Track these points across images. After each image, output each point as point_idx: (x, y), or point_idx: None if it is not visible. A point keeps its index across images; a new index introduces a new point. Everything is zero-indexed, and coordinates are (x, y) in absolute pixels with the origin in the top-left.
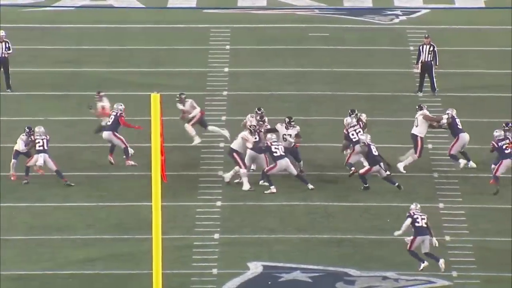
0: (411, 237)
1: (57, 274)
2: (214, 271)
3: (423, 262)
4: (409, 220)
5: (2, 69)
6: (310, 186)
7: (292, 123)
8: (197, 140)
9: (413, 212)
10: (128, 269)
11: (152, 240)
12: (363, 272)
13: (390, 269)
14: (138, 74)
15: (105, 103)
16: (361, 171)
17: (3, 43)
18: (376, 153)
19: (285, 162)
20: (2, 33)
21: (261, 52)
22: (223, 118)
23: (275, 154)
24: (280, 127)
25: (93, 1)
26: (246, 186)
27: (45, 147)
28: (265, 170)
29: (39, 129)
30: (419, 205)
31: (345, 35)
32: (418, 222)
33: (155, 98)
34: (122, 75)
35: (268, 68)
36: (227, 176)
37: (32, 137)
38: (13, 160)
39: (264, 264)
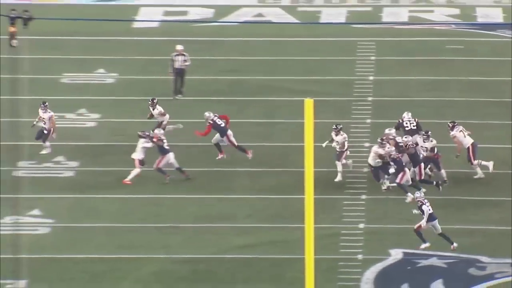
0: (422, 221)
1: (221, 258)
2: (359, 256)
3: (425, 243)
4: (427, 209)
5: (178, 77)
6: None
7: (426, 136)
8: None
9: (423, 201)
10: (283, 254)
11: (304, 228)
12: (494, 259)
13: None
14: (292, 82)
15: (51, 113)
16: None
17: (181, 56)
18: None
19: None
20: (181, 47)
21: (403, 62)
22: (368, 121)
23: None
24: (419, 139)
25: (255, 17)
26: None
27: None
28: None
29: (159, 131)
30: (423, 193)
31: (478, 47)
32: (430, 210)
33: (308, 103)
34: (279, 82)
35: (408, 77)
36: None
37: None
38: (138, 170)
39: (404, 251)
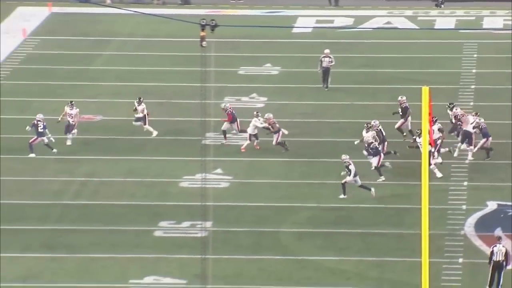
0: (348, 177)
1: (357, 207)
2: (463, 207)
3: (344, 195)
4: (352, 169)
5: (325, 74)
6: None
7: (434, 120)
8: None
9: (349, 162)
10: (405, 204)
11: (421, 185)
12: None
13: None
14: (413, 74)
15: (77, 109)
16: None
17: (328, 57)
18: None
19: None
20: (328, 50)
21: (499, 59)
22: (471, 104)
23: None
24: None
25: (385, 24)
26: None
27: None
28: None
29: (268, 115)
30: (347, 156)
31: None
32: (354, 169)
33: (425, 90)
34: (402, 74)
35: (503, 70)
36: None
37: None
38: (249, 142)
39: (498, 203)
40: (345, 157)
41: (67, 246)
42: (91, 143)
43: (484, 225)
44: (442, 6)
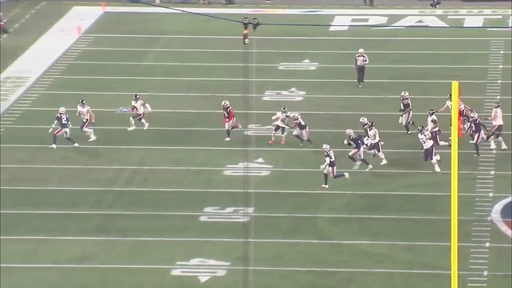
0: (330, 168)
1: (389, 194)
2: (490, 194)
3: (325, 184)
4: (328, 159)
5: (360, 72)
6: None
7: (430, 112)
8: (131, 128)
9: (327, 152)
10: (435, 192)
11: (450, 174)
12: None
13: None
14: (443, 69)
15: (87, 107)
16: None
17: (362, 56)
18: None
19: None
20: (362, 50)
21: None
22: (498, 97)
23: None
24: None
25: (417, 23)
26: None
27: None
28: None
29: (293, 115)
30: (328, 145)
31: None
32: (332, 158)
33: (455, 85)
34: (433, 69)
35: None
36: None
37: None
38: (276, 132)
39: None
40: (325, 146)
41: (119, 230)
42: (141, 133)
43: (510, 212)
44: (437, 6)
